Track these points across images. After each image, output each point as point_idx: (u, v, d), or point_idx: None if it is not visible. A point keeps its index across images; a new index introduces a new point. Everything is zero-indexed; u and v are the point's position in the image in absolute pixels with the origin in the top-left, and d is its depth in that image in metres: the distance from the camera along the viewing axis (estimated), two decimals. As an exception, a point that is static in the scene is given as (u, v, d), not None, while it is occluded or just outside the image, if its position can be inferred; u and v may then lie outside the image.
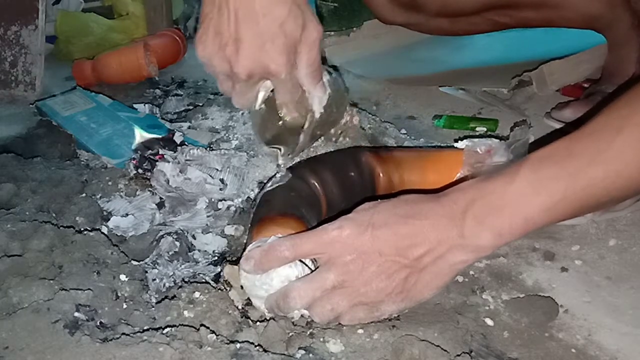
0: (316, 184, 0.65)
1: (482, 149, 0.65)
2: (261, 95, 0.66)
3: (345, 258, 0.48)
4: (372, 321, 0.53)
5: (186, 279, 0.63)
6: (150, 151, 0.84)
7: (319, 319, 0.51)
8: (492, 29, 1.03)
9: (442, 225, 0.48)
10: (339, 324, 0.54)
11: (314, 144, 0.74)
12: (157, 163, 0.81)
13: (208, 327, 0.55)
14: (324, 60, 0.69)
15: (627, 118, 0.44)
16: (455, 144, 0.68)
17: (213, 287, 0.60)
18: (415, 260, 0.48)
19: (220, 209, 0.76)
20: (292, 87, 0.62)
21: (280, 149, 0.71)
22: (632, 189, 0.45)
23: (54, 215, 0.74)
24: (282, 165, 0.71)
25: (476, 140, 0.67)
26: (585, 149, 0.45)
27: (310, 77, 0.62)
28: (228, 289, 0.60)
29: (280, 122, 0.67)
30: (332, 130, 0.75)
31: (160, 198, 0.78)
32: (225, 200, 0.78)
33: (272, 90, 0.65)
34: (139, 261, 0.66)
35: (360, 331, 0.55)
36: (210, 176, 0.79)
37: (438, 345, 0.52)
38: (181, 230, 0.72)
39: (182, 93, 1.23)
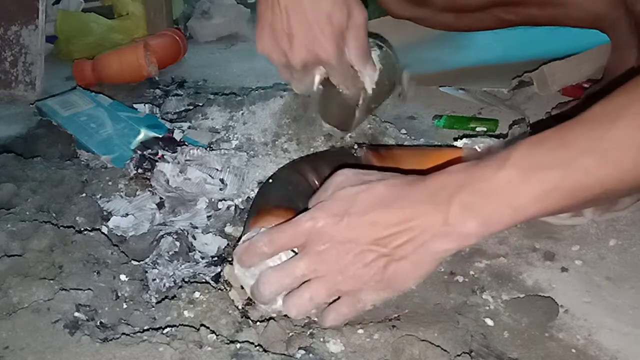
0: (314, 179, 0.66)
1: (481, 147, 0.65)
2: (317, 79, 0.74)
3: (319, 247, 0.47)
4: (357, 314, 0.52)
5: (186, 279, 0.63)
6: (150, 151, 0.84)
7: (296, 310, 0.50)
8: (497, 25, 1.03)
9: (427, 212, 0.46)
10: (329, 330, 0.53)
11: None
12: (157, 163, 0.81)
13: (208, 327, 0.55)
14: (375, 35, 0.78)
15: (624, 108, 0.42)
16: (455, 143, 0.68)
17: (213, 287, 0.60)
18: (395, 248, 0.46)
19: (220, 209, 0.77)
20: (343, 70, 0.70)
21: (337, 127, 0.80)
22: (627, 182, 0.43)
23: (54, 215, 0.74)
24: (340, 139, 0.80)
25: (475, 139, 0.67)
26: (580, 137, 0.43)
27: (359, 58, 0.70)
28: (228, 289, 0.60)
29: (337, 102, 0.75)
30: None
31: (160, 198, 0.78)
32: (225, 200, 0.78)
33: (327, 74, 0.72)
34: (139, 261, 0.66)
35: (360, 331, 0.55)
36: (210, 176, 0.79)
37: (438, 346, 0.52)
38: (181, 230, 0.72)
39: (182, 93, 1.23)
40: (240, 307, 0.59)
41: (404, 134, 0.95)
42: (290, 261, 0.50)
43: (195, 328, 0.54)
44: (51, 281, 0.59)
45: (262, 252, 0.51)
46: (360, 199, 0.48)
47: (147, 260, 0.66)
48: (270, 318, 0.56)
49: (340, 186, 0.50)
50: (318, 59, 0.67)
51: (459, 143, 0.68)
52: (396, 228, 0.46)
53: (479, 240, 0.47)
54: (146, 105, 1.05)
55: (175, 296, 0.59)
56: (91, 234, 0.69)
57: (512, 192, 0.43)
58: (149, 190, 0.80)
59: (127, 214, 0.76)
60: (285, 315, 0.54)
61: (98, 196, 0.79)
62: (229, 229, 0.74)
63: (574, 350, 0.54)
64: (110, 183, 0.82)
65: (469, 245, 0.47)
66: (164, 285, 0.63)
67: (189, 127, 0.97)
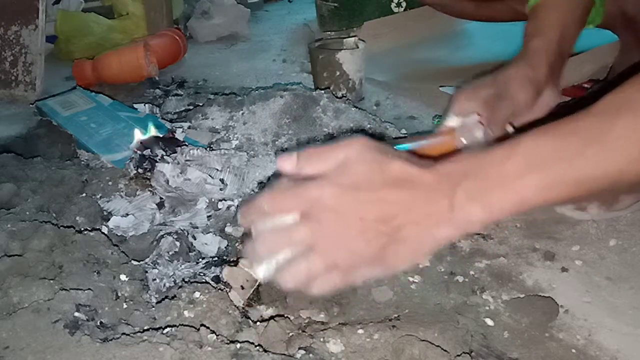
0: None
1: (473, 119, 0.63)
2: None
3: (323, 217, 0.46)
4: (345, 287, 0.50)
5: (186, 279, 0.63)
6: (149, 150, 0.84)
7: (292, 280, 0.48)
8: (512, 18, 1.04)
9: (432, 198, 0.45)
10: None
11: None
12: (157, 163, 0.81)
13: (208, 327, 0.55)
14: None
15: (630, 100, 0.42)
16: (446, 123, 0.67)
17: (213, 287, 0.60)
18: (398, 230, 0.46)
19: (220, 209, 0.77)
20: None
21: None
22: (633, 173, 0.43)
23: (54, 215, 0.74)
24: None
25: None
26: (588, 128, 0.43)
27: None
28: (228, 289, 0.60)
29: None
30: None
31: (161, 198, 0.78)
32: (225, 200, 0.78)
33: None
34: (139, 261, 0.66)
35: (361, 331, 0.55)
36: (210, 176, 0.79)
37: (438, 346, 0.52)
38: (181, 230, 0.72)
39: (182, 93, 1.23)
40: (240, 307, 0.59)
41: (404, 134, 0.95)
42: (291, 224, 0.48)
43: (196, 328, 0.54)
44: (51, 281, 0.59)
45: (262, 210, 0.49)
46: (372, 174, 0.47)
47: (147, 260, 0.66)
48: (271, 318, 0.56)
49: (354, 157, 0.48)
50: None
51: (450, 122, 0.66)
52: (402, 209, 0.46)
53: (482, 227, 0.47)
54: (146, 105, 1.05)
55: (175, 296, 0.59)
56: (91, 234, 0.69)
57: (517, 181, 0.44)
58: (149, 190, 0.80)
59: (127, 214, 0.76)
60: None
61: (98, 196, 0.79)
62: (229, 229, 0.74)
63: (574, 350, 0.54)
64: (110, 183, 0.82)
65: (472, 233, 0.46)
66: (164, 285, 0.63)
67: (189, 127, 0.97)
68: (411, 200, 0.46)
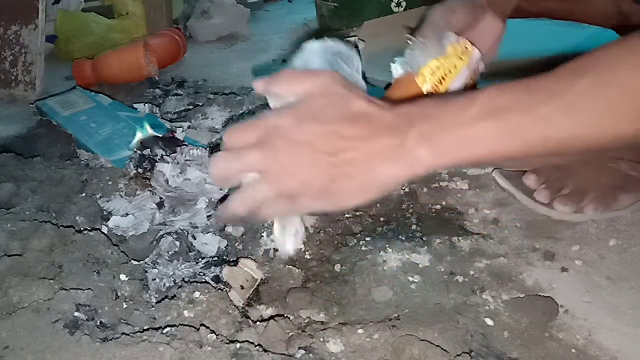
0: None
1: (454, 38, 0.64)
2: None
3: (276, 144, 0.47)
4: (290, 214, 0.51)
5: (186, 279, 0.63)
6: (150, 150, 0.84)
7: (240, 205, 0.49)
8: (518, 15, 1.04)
9: (386, 136, 0.46)
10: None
11: None
12: (157, 163, 0.81)
13: (208, 327, 0.55)
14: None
15: (594, 65, 0.43)
16: (396, 71, 0.68)
17: (213, 287, 0.60)
18: (348, 164, 0.46)
19: (220, 209, 0.77)
20: None
21: None
22: (584, 139, 0.43)
23: (54, 215, 0.74)
24: None
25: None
26: (545, 87, 0.43)
27: None
28: (228, 289, 0.60)
29: None
30: None
31: (161, 198, 0.78)
32: (225, 200, 0.78)
33: None
34: (139, 261, 0.66)
35: (361, 331, 0.55)
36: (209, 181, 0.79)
37: (438, 346, 0.52)
38: (181, 230, 0.72)
39: (182, 93, 1.23)
40: (240, 307, 0.59)
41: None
42: (244, 148, 0.49)
43: (196, 328, 0.54)
44: (51, 281, 0.59)
45: (226, 147, 0.50)
46: (331, 108, 0.48)
47: (147, 260, 0.66)
48: (271, 318, 0.56)
49: (320, 88, 0.50)
50: None
51: (397, 68, 0.67)
52: (353, 143, 0.46)
53: (428, 171, 0.46)
54: (146, 105, 1.05)
55: (175, 296, 0.59)
56: (91, 234, 0.69)
57: (469, 127, 0.44)
58: (149, 190, 0.80)
59: (127, 214, 0.76)
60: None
61: (98, 196, 0.79)
62: (229, 229, 0.74)
63: (574, 351, 0.54)
64: (110, 183, 0.82)
65: (417, 176, 0.46)
66: (164, 285, 0.63)
67: (189, 127, 0.97)
68: (365, 136, 0.46)
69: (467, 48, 0.63)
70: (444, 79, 0.63)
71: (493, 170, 0.82)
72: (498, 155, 0.44)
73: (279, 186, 0.47)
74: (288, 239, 0.54)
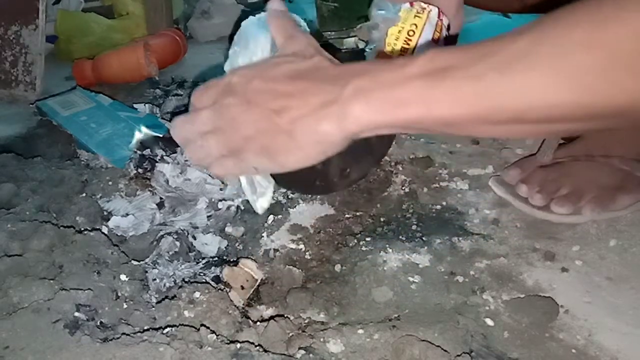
0: None
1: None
2: None
3: (225, 102, 0.49)
4: (242, 172, 0.52)
5: (186, 279, 0.63)
6: (150, 150, 0.84)
7: (193, 157, 0.51)
8: (521, 9, 1.03)
9: (323, 90, 0.46)
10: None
11: None
12: (157, 163, 0.81)
13: (208, 327, 0.55)
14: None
15: (533, 25, 0.41)
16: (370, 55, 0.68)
17: (213, 287, 0.60)
18: (290, 122, 0.47)
19: (220, 209, 0.77)
20: None
21: None
22: (523, 104, 0.40)
23: (54, 215, 0.74)
24: None
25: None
26: (483, 48, 0.42)
27: None
28: (228, 289, 0.60)
29: None
30: None
31: (161, 198, 0.78)
32: (225, 200, 0.78)
33: None
34: (139, 261, 0.66)
35: (361, 331, 0.55)
36: (210, 176, 0.79)
37: (438, 346, 0.52)
38: (181, 230, 0.72)
39: (182, 93, 1.22)
40: (240, 307, 0.59)
41: (404, 133, 0.95)
42: (197, 110, 0.51)
43: (196, 328, 0.54)
44: (51, 281, 0.59)
45: (192, 103, 0.52)
46: (279, 67, 0.49)
47: (147, 260, 0.66)
48: (271, 318, 0.56)
49: (292, 49, 0.51)
50: None
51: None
52: (291, 99, 0.47)
53: (360, 130, 0.45)
54: (146, 105, 1.05)
55: (175, 296, 0.59)
56: (91, 234, 0.69)
57: (403, 85, 0.43)
58: (149, 190, 0.80)
59: (127, 214, 0.76)
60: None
61: (98, 196, 0.79)
62: (229, 229, 0.74)
63: (574, 351, 0.54)
64: (110, 183, 0.82)
65: (350, 135, 0.45)
66: (164, 285, 0.63)
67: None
68: (307, 90, 0.47)
69: (423, 8, 0.65)
70: (409, 40, 0.65)
71: (491, 177, 0.82)
72: (438, 119, 0.42)
73: (225, 141, 0.49)
74: (257, 198, 0.56)
